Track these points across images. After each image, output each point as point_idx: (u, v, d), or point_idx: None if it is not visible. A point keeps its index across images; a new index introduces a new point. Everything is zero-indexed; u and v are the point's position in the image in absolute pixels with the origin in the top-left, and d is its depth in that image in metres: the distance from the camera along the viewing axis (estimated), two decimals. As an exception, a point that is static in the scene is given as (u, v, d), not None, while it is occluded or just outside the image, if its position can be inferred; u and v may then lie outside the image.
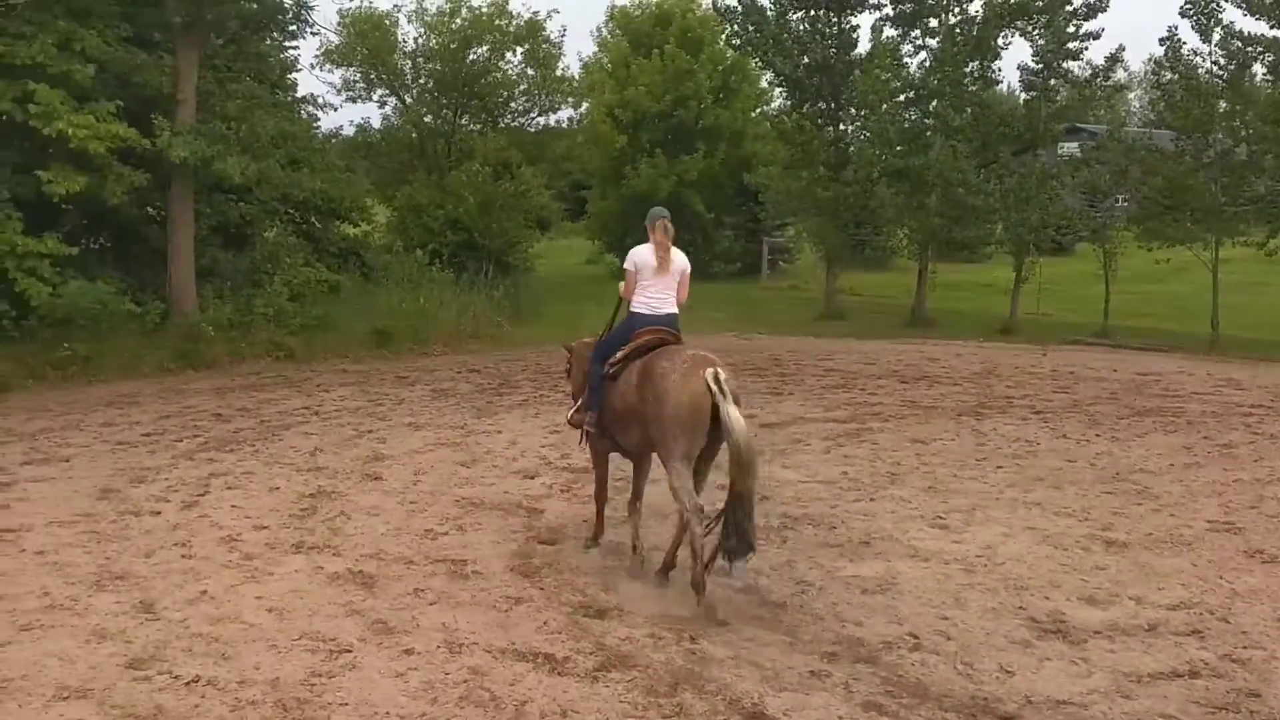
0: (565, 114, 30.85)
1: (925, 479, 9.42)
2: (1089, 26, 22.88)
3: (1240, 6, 20.09)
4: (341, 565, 6.87)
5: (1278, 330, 21.09)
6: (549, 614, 6.00)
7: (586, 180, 37.19)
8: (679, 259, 7.30)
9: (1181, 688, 5.03)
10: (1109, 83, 23.81)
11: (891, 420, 12.41)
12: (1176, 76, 21.18)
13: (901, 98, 24.58)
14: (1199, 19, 20.64)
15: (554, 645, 5.54)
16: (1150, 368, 16.98)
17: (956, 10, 24.06)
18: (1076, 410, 13.03)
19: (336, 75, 28.51)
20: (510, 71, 28.76)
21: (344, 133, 30.31)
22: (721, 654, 5.44)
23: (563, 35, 28.92)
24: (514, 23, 27.97)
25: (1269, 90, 20.64)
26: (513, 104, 29.33)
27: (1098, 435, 11.42)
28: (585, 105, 31.71)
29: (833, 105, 25.79)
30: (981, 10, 23.55)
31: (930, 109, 24.45)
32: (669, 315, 7.13)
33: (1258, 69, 20.70)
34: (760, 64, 28.66)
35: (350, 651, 5.50)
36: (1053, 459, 10.23)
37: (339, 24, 26.67)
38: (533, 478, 9.38)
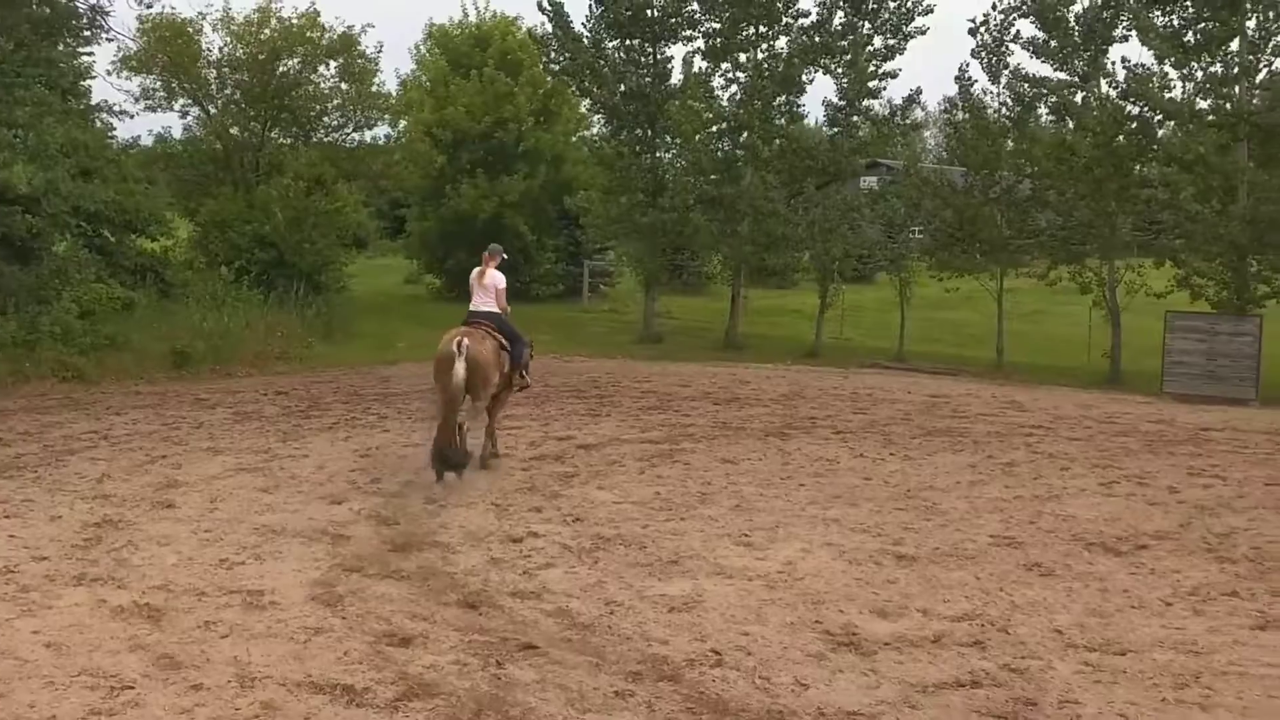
0: (382, 131, 30.33)
1: (733, 498, 9.66)
2: (888, 67, 24.15)
3: (1027, 49, 21.57)
4: (126, 598, 6.52)
5: (1057, 355, 22.62)
6: (350, 644, 5.85)
7: (405, 199, 36.63)
8: (493, 277, 10.92)
9: (964, 697, 5.30)
10: (906, 121, 25.15)
11: (704, 441, 12.68)
12: (967, 115, 22.55)
13: (714, 128, 25.29)
14: (989, 60, 22.06)
15: (354, 676, 5.40)
16: (941, 390, 17.91)
17: (764, 46, 24.97)
18: (874, 430, 13.63)
19: (135, 83, 27.10)
20: (323, 85, 28.07)
21: (142, 142, 28.98)
22: (528, 678, 5.43)
23: (379, 51, 28.40)
24: (327, 36, 27.31)
25: (1052, 130, 22.18)
26: (326, 118, 28.59)
27: (892, 454, 11.97)
28: (403, 123, 31.25)
29: (649, 133, 26.27)
30: (788, 47, 24.52)
31: (741, 140, 25.24)
32: (486, 313, 10.83)
33: (1042, 110, 22.23)
34: (577, 91, 28.94)
35: (133, 688, 5.22)
36: (851, 477, 10.67)
37: (138, 30, 25.41)
38: (339, 503, 9.14)
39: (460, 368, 9.74)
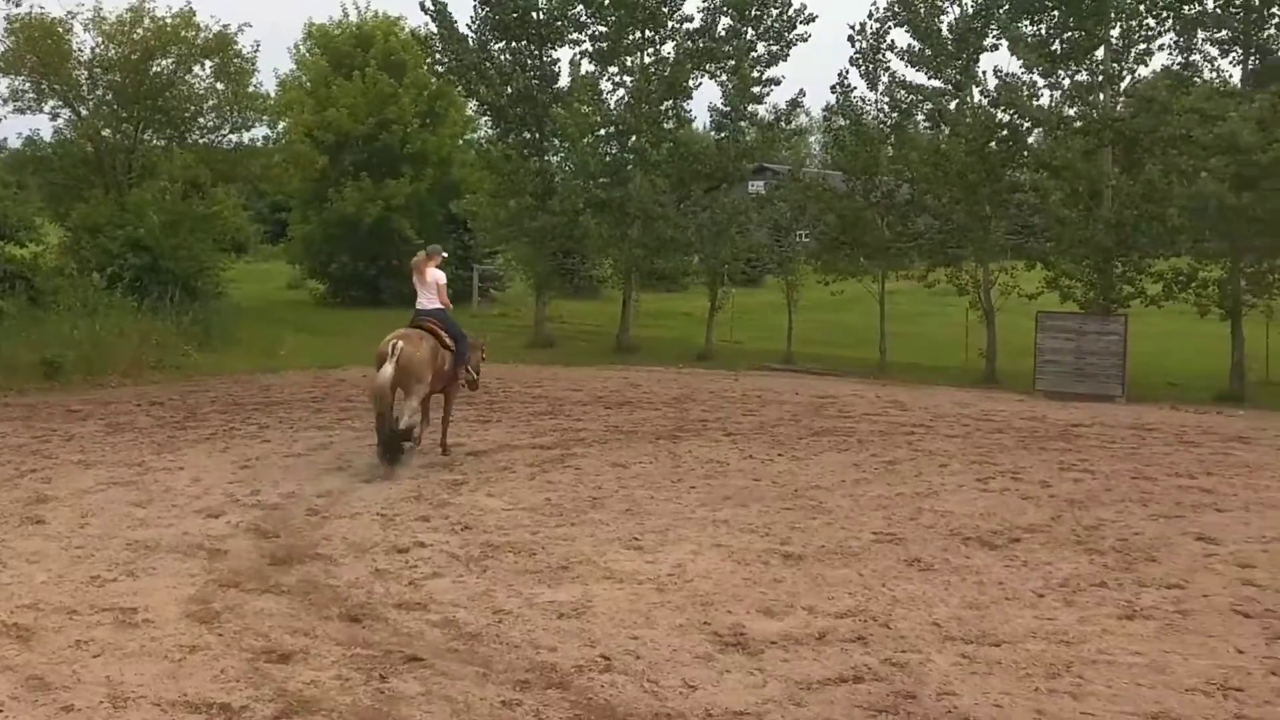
0: (261, 132, 29.56)
1: (624, 502, 9.68)
2: (772, 73, 24.52)
3: (902, 58, 22.13)
4: (-9, 620, 6.24)
5: (936, 355, 23.24)
6: (227, 661, 5.69)
7: (286, 202, 35.83)
8: (434, 275, 11.75)
9: (847, 692, 5.40)
10: (790, 126, 25.57)
11: (595, 445, 12.69)
12: (847, 122, 23.03)
13: (602, 131, 25.35)
14: (867, 68, 22.57)
15: (231, 694, 5.25)
16: (827, 391, 18.25)
17: (651, 51, 25.14)
18: (763, 432, 13.82)
19: (2, 84, 25.92)
20: (199, 86, 27.24)
21: (10, 145, 27.75)
22: (412, 691, 5.35)
23: (256, 50, 27.64)
24: (202, 35, 26.51)
25: (928, 136, 22.78)
26: (202, 120, 27.74)
27: (780, 455, 12.15)
28: (282, 124, 30.53)
29: (537, 135, 26.21)
30: (673, 52, 24.73)
31: (630, 144, 25.35)
32: (431, 310, 11.66)
33: (919, 116, 22.82)
34: (464, 92, 28.71)
35: (0, 711, 5.00)
36: (740, 478, 10.79)
37: (5, 30, 24.31)
38: (217, 516, 8.88)
39: (388, 368, 10.61)
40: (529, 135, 26.31)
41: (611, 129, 25.54)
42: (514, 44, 25.76)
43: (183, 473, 10.62)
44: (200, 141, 27.65)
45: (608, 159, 25.63)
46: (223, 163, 27.64)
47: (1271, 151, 17.79)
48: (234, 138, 28.38)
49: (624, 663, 5.78)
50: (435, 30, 25.76)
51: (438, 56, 26.75)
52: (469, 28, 25.66)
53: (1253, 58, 19.65)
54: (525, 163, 25.84)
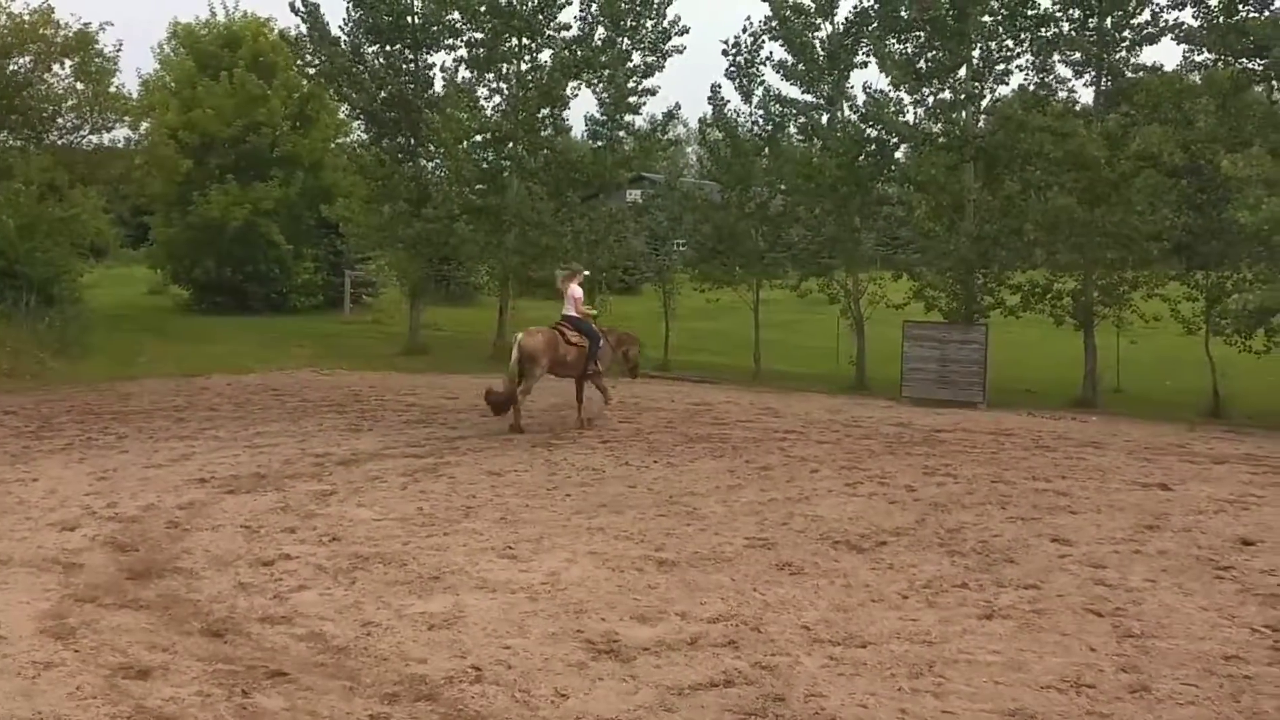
0: (123, 134, 28.43)
1: (499, 510, 9.62)
2: (648, 83, 24.73)
3: (777, 71, 22.56)
4: None
5: (808, 363, 23.72)
6: (84, 678, 5.45)
7: (149, 205, 34.54)
8: (572, 290, 14.80)
9: (717, 697, 5.46)
10: (667, 136, 25.83)
11: (469, 454, 12.58)
12: (722, 134, 23.37)
13: (479, 138, 25.21)
14: (741, 81, 22.95)
15: (87, 712, 5.04)
16: (703, 398, 18.46)
17: (527, 59, 25.11)
18: (639, 438, 13.91)
19: None
20: (57, 85, 26.07)
21: None
22: (276, 706, 5.21)
23: (118, 50, 26.58)
24: (61, 33, 25.39)
25: (801, 149, 23.25)
26: (60, 120, 26.56)
27: (656, 461, 12.24)
28: (145, 125, 29.42)
29: (412, 141, 25.89)
30: (550, 61, 24.75)
31: (506, 150, 25.27)
32: (567, 315, 14.66)
33: (792, 129, 23.28)
34: (335, 96, 28.22)
35: None
36: (616, 485, 10.82)
37: None
38: (73, 529, 8.52)
39: (514, 354, 14.11)
40: (403, 140, 25.97)
41: (488, 136, 25.42)
42: (388, 48, 25.38)
43: (37, 484, 10.18)
44: (59, 142, 26.49)
45: (484, 166, 25.51)
46: (82, 164, 26.49)
47: (1119, 168, 18.71)
48: (94, 139, 27.28)
49: (495, 673, 5.73)
50: (306, 32, 25.25)
51: (309, 59, 26.22)
52: (341, 30, 25.23)
53: (1104, 79, 20.61)
54: (399, 168, 25.52)
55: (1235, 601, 7.21)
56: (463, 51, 25.28)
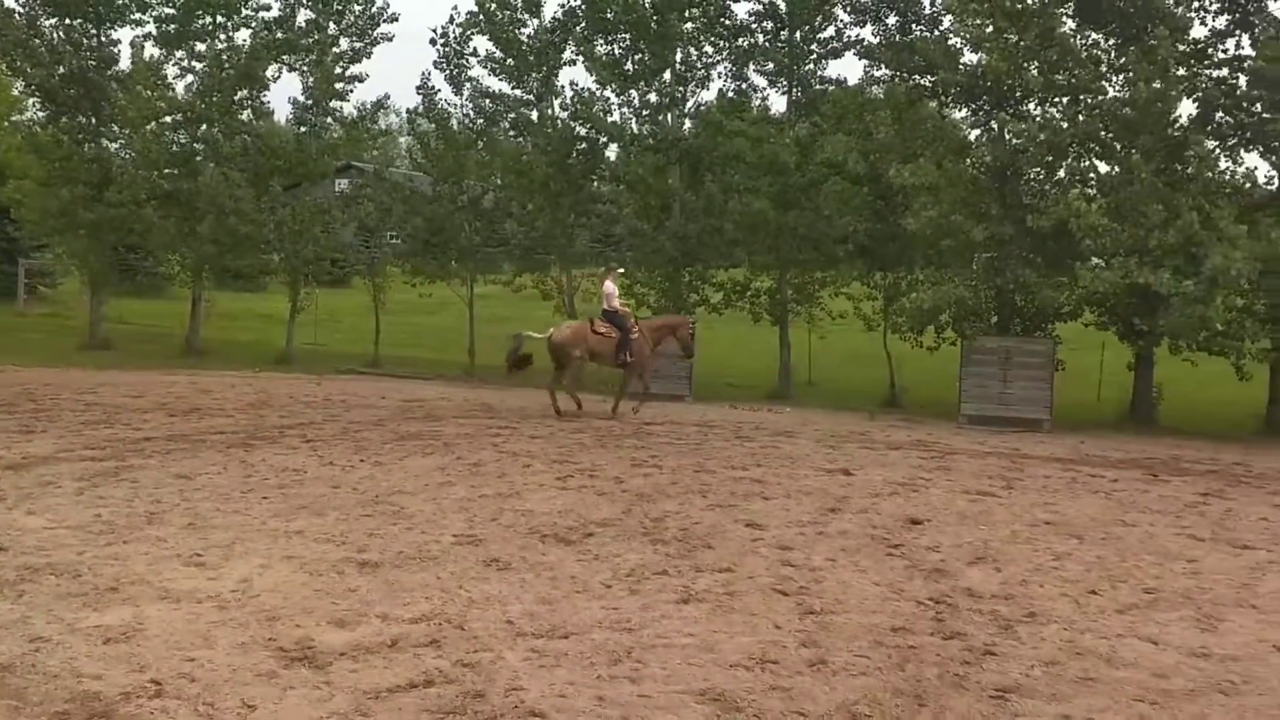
0: None
1: (187, 516, 9.03)
2: (355, 70, 24.05)
3: (485, 65, 22.51)
4: None
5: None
6: None
7: None
8: (608, 287, 16.52)
9: (416, 698, 5.34)
10: (376, 125, 25.22)
11: (156, 456, 11.75)
12: (433, 125, 23.08)
13: (169, 119, 23.75)
14: (451, 72, 22.76)
15: None
16: (416, 394, 18.17)
17: (223, 37, 23.86)
18: (345, 437, 13.48)
19: None
20: None
21: None
22: (-85, 742, 4.66)
23: None
24: None
25: (514, 144, 23.32)
26: None
27: (362, 460, 11.90)
28: None
29: (94, 120, 24.01)
30: (249, 40, 23.62)
31: (200, 133, 23.94)
32: (605, 310, 16.34)
33: (505, 124, 23.30)
34: (8, 70, 25.80)
35: None
36: (318, 486, 10.42)
37: None
38: None
39: (547, 345, 16.09)
40: (84, 119, 24.04)
41: (179, 117, 23.95)
42: (68, 21, 23.47)
43: None
44: None
45: (175, 148, 24.05)
46: None
47: (809, 174, 19.97)
48: None
49: (177, 686, 5.37)
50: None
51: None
52: (16, 1, 23.07)
53: (795, 89, 21.92)
54: (80, 149, 23.64)
55: (904, 577, 7.82)
56: (151, 27, 23.73)
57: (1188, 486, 12.42)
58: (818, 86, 21.38)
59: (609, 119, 21.80)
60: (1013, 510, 10.36)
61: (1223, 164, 18.50)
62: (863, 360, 22.65)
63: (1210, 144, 18.35)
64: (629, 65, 21.74)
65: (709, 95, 22.52)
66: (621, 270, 18.45)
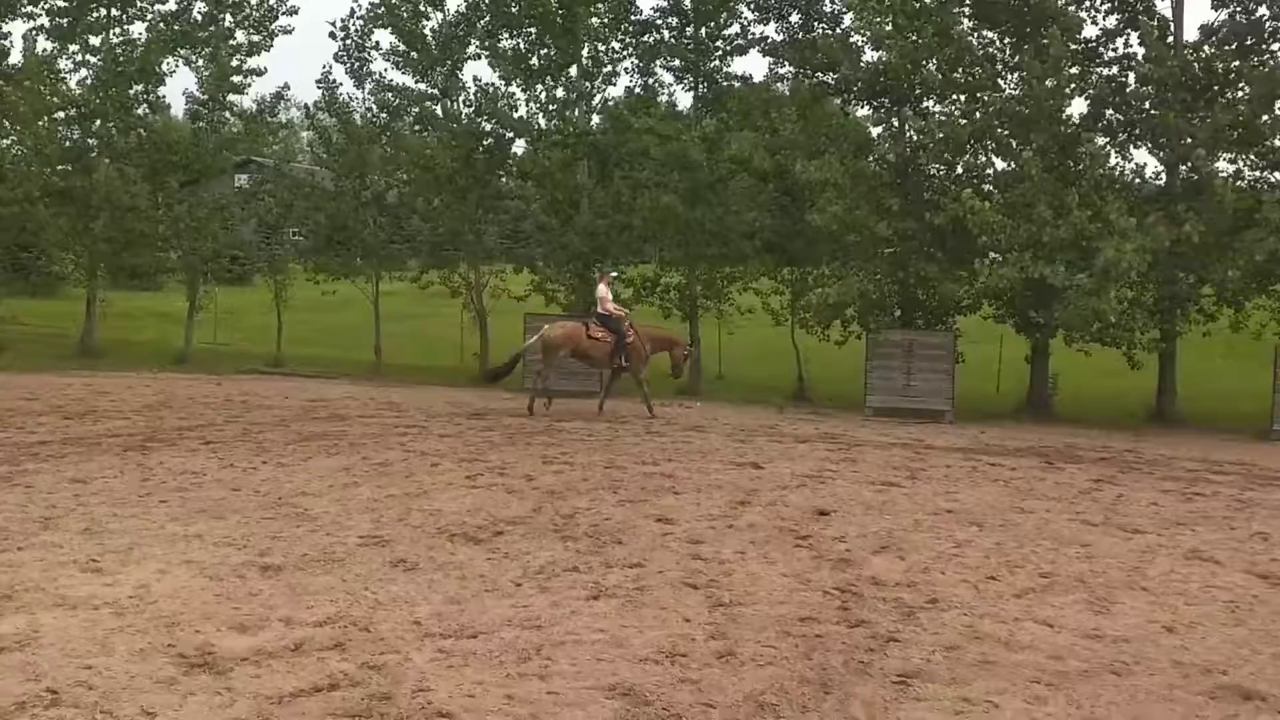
0: None
1: (83, 521, 8.77)
2: (253, 63, 23.56)
3: (388, 59, 22.23)
4: None
5: (431, 356, 23.61)
6: None
7: None
8: (601, 290, 16.87)
9: (320, 702, 5.25)
10: (275, 119, 24.71)
11: (50, 460, 11.38)
12: (334, 120, 22.72)
13: (61, 114, 22.99)
14: (353, 66, 22.41)
15: None
16: (320, 394, 17.86)
17: (118, 31, 23.16)
18: (246, 438, 13.20)
19: None
20: None
21: None
22: None
23: None
24: None
25: (418, 139, 23.07)
26: None
27: (265, 462, 11.66)
28: None
29: (-19, 114, 23.08)
30: (145, 34, 23.00)
31: (94, 129, 23.21)
32: (598, 313, 16.70)
33: (409, 118, 23.02)
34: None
35: None
36: (218, 489, 10.19)
37: None
38: None
39: (538, 340, 16.57)
40: (-29, 113, 23.09)
41: (73, 112, 23.18)
42: (-47, 12, 22.50)
43: None
44: None
45: (68, 144, 23.25)
46: None
47: (717, 171, 20.13)
48: None
49: (74, 695, 5.22)
50: None
51: None
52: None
53: (702, 86, 22.07)
54: (-35, 143, 22.69)
55: (811, 567, 7.94)
56: (43, 20, 22.91)
57: (1081, 473, 12.83)
58: (723, 83, 21.57)
59: (515, 114, 21.69)
60: (916, 500, 10.59)
61: (1113, 160, 19.14)
62: (771, 355, 22.91)
63: (1101, 140, 18.97)
64: (535, 60, 21.66)
65: (617, 91, 22.55)
66: (615, 274, 18.59)
